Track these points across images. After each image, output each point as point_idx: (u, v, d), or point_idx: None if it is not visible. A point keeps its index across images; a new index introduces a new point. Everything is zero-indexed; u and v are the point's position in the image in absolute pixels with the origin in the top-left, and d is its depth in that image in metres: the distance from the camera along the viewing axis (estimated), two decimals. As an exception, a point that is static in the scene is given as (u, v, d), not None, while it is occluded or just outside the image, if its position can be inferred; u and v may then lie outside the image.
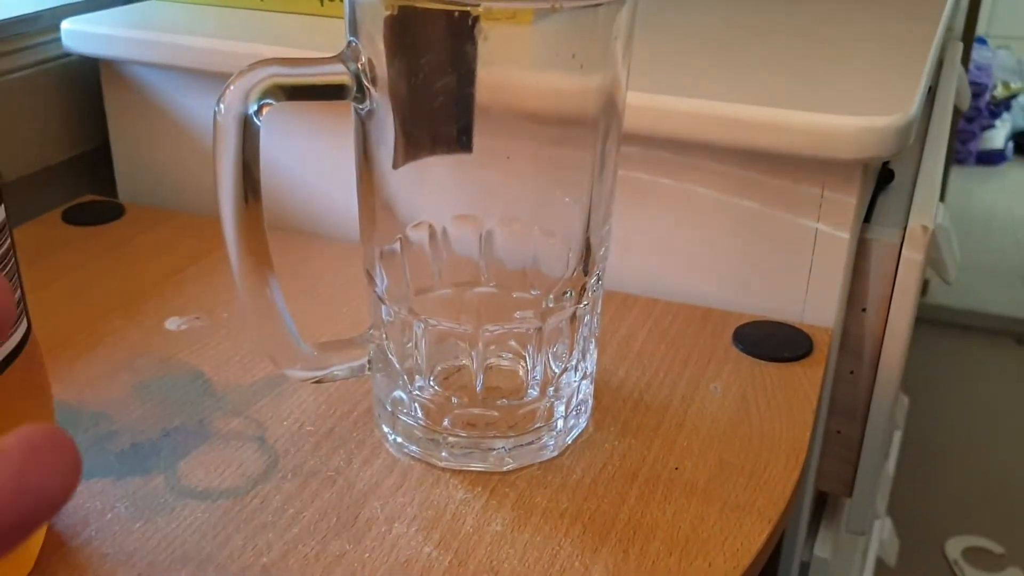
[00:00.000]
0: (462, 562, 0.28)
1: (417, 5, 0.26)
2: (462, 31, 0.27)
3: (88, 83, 0.53)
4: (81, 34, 0.50)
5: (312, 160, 0.49)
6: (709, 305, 0.42)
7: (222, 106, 0.26)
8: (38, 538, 0.27)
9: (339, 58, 0.28)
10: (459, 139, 0.30)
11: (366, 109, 0.28)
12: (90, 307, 0.41)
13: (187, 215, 0.50)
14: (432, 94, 0.29)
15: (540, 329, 0.30)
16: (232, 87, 0.26)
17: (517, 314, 0.30)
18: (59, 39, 0.50)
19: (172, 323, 0.40)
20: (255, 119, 0.27)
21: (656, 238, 0.43)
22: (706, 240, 0.42)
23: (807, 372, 0.37)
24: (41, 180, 0.52)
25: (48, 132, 0.52)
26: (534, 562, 0.28)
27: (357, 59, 0.28)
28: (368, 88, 0.28)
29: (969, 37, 1.36)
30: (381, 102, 0.28)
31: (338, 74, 0.28)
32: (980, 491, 1.23)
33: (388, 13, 0.27)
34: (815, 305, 0.41)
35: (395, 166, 0.31)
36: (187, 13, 0.52)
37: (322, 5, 0.51)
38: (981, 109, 2.06)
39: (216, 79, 0.48)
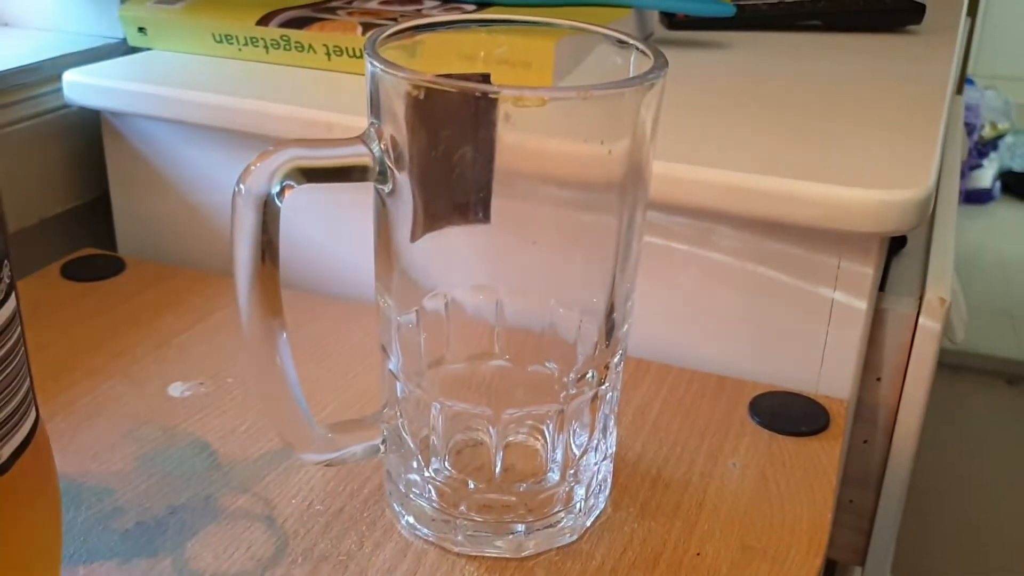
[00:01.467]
0: (482, 658, 0.27)
1: (443, 87, 0.26)
2: (486, 112, 0.26)
3: (88, 134, 0.53)
4: (82, 86, 0.49)
5: (317, 218, 0.48)
6: (723, 372, 0.41)
7: (243, 187, 0.26)
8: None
9: (361, 139, 0.27)
10: (478, 210, 0.30)
11: (388, 189, 0.28)
12: (91, 370, 0.40)
13: (189, 271, 0.49)
14: (452, 169, 0.28)
15: (562, 412, 0.30)
16: (254, 169, 0.26)
17: (538, 396, 0.30)
18: (60, 90, 0.50)
19: (175, 389, 0.39)
20: (276, 200, 0.26)
21: (670, 304, 0.42)
22: (721, 307, 0.42)
23: (825, 447, 0.37)
24: (40, 232, 0.51)
25: (48, 183, 0.51)
26: (556, 658, 0.27)
27: (380, 139, 0.27)
28: (391, 168, 0.27)
29: (961, 80, 1.37)
30: (403, 180, 0.28)
31: (360, 156, 0.27)
32: (971, 533, 1.22)
33: (414, 94, 0.26)
34: (831, 374, 0.41)
35: (413, 239, 0.30)
36: (190, 64, 0.51)
37: (329, 60, 0.51)
38: (970, 149, 2.07)
39: (219, 133, 0.47)
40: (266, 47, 0.51)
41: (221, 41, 0.52)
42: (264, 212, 0.26)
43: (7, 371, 0.23)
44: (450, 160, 0.28)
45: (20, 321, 0.24)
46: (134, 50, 0.54)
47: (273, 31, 0.51)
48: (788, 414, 0.38)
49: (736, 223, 0.40)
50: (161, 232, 0.52)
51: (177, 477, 0.34)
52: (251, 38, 0.51)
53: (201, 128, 0.48)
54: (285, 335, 0.28)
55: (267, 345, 0.28)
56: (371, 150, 0.27)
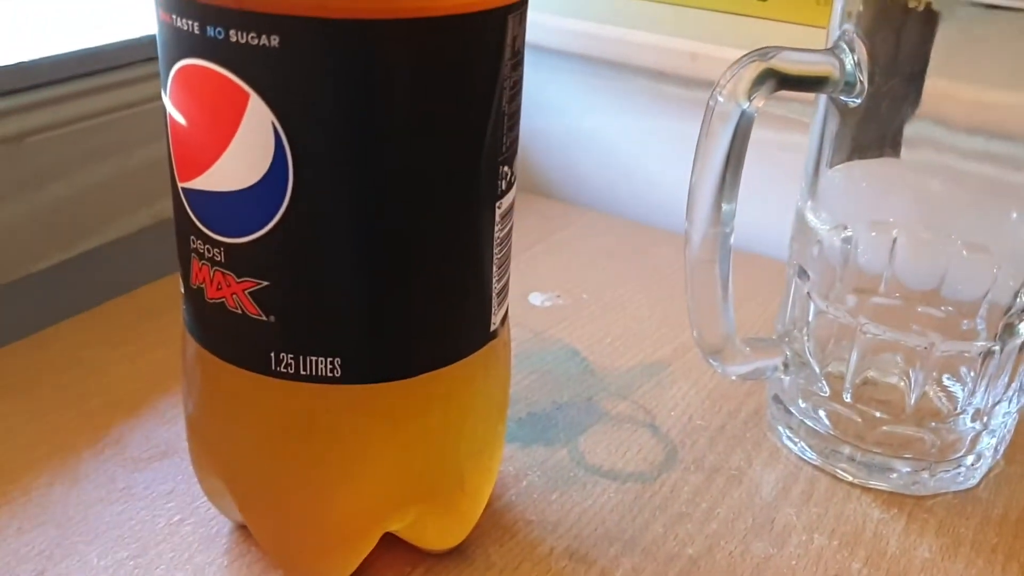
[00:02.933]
0: (896, 585, 0.27)
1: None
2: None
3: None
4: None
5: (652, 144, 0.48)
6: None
7: (720, 96, 0.26)
8: (486, 498, 0.27)
9: (832, 50, 0.27)
10: (900, 143, 0.29)
11: (853, 104, 0.27)
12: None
13: (525, 194, 0.50)
14: (901, 93, 0.28)
15: (990, 354, 0.29)
16: (735, 74, 0.26)
17: (960, 336, 0.29)
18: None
19: (535, 298, 0.41)
20: (751, 110, 0.26)
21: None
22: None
23: None
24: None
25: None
26: (975, 597, 0.27)
27: (853, 50, 0.27)
28: (861, 82, 0.27)
29: None
30: (866, 99, 0.27)
31: (831, 66, 0.27)
32: None
33: (911, 4, 0.25)
34: None
35: (832, 164, 0.30)
36: None
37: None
38: None
39: (570, 60, 0.48)
40: (613, -21, 0.52)
41: (569, -29, 0.53)
42: (740, 119, 0.26)
43: (507, 245, 0.24)
44: (907, 84, 0.27)
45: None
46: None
47: (623, -36, 0.51)
48: None
49: None
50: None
51: (556, 376, 0.35)
52: (600, -31, 0.52)
53: (553, 53, 0.49)
54: (730, 248, 0.28)
55: (712, 257, 0.28)
56: (843, 60, 0.27)
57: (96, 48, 0.38)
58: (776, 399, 0.33)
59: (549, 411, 0.34)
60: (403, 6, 0.19)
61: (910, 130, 0.28)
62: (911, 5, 0.25)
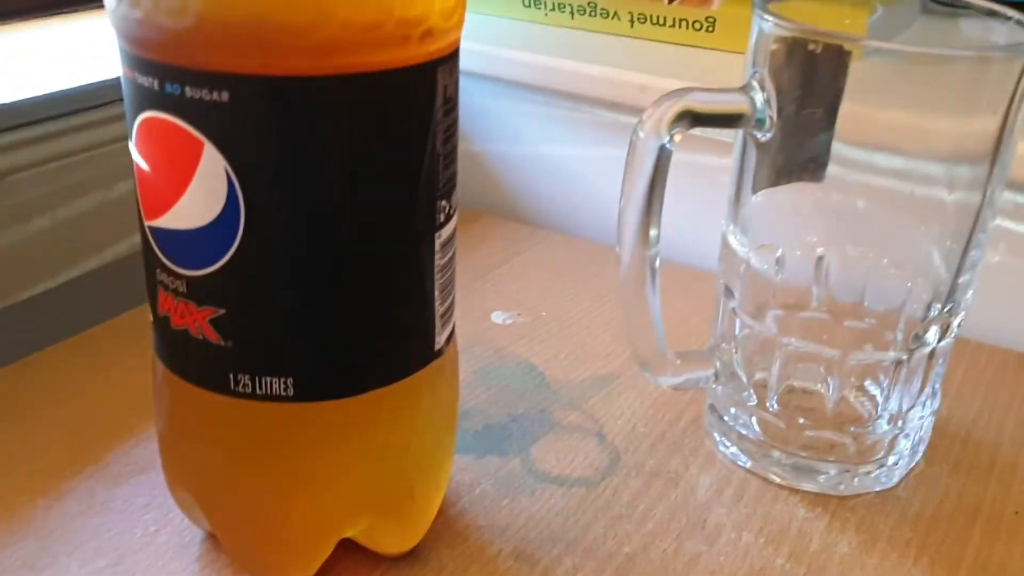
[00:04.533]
0: (816, 577, 0.29)
1: (840, 44, 0.28)
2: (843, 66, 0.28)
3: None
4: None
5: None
6: (1020, 349, 0.41)
7: (641, 132, 0.29)
8: (436, 505, 0.30)
9: (744, 89, 0.30)
10: (817, 167, 0.32)
11: (764, 138, 0.30)
12: (419, 295, 0.44)
13: (488, 216, 0.53)
14: (812, 123, 0.30)
15: (902, 362, 0.31)
16: (653, 113, 0.28)
17: (872, 345, 0.31)
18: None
19: (497, 317, 0.43)
20: (669, 145, 0.29)
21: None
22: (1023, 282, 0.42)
23: None
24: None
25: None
26: (887, 586, 0.29)
27: (763, 89, 0.29)
28: (771, 118, 0.29)
29: None
30: (775, 131, 0.30)
31: (743, 103, 0.29)
32: None
33: (811, 47, 0.28)
34: None
35: (755, 191, 0.33)
36: (499, 25, 0.55)
37: (632, 27, 0.53)
38: None
39: (525, 90, 0.51)
40: (572, 13, 0.55)
41: (529, 5, 0.56)
42: (659, 155, 0.29)
43: (449, 271, 0.27)
44: (810, 111, 0.30)
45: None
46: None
47: (580, -3, 0.54)
48: (1100, 395, 0.38)
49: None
50: (461, 179, 0.56)
51: (513, 390, 0.38)
52: (558, 3, 0.55)
53: (513, 84, 0.52)
54: (656, 269, 0.31)
55: (641, 277, 0.30)
56: (754, 98, 0.29)
57: (75, 89, 0.41)
58: (712, 408, 0.35)
59: (505, 423, 0.36)
60: (338, 63, 0.22)
61: (826, 155, 0.31)
62: (810, 48, 0.28)
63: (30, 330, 0.40)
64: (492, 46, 0.51)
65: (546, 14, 0.55)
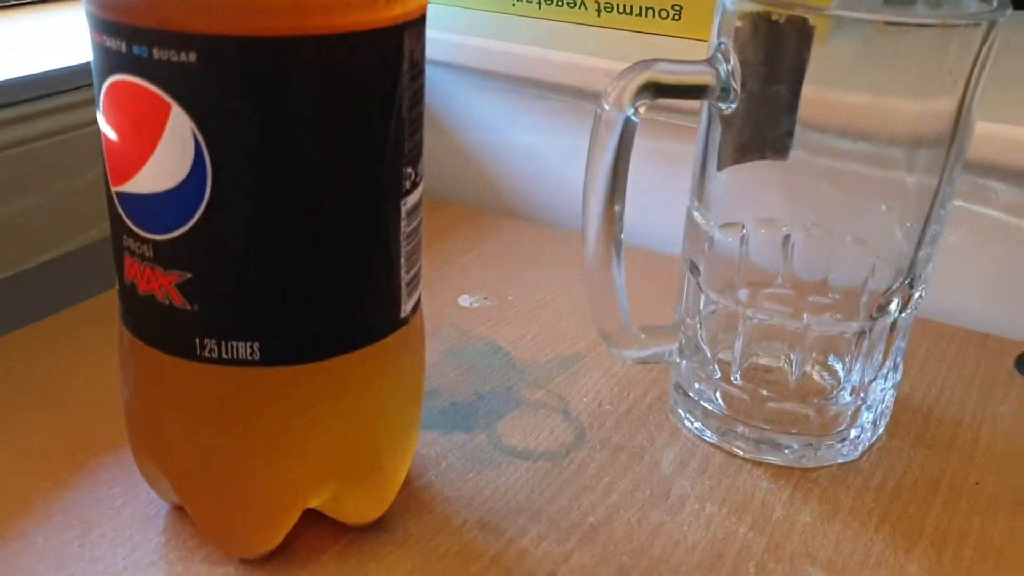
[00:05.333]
0: (778, 545, 0.30)
1: (803, 14, 0.28)
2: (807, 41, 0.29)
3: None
4: (376, 29, 0.54)
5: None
6: (984, 329, 0.42)
7: (606, 104, 0.29)
8: (402, 476, 0.30)
9: (709, 61, 0.30)
10: (781, 145, 0.32)
11: (728, 109, 0.30)
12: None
13: (458, 205, 0.53)
14: (776, 100, 0.31)
15: (864, 333, 0.32)
16: (617, 85, 0.29)
17: (838, 317, 0.32)
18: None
19: (465, 300, 0.43)
20: (634, 116, 0.29)
21: (938, 260, 0.43)
22: (990, 265, 0.42)
23: (1094, 407, 0.37)
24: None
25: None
26: (848, 554, 0.30)
27: (728, 60, 0.30)
28: (735, 89, 0.30)
29: None
30: (740, 104, 0.30)
31: (708, 74, 0.30)
32: None
33: (774, 18, 0.28)
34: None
35: (720, 168, 0.33)
36: (468, 16, 0.56)
37: (598, 16, 0.54)
38: None
39: (498, 80, 0.51)
40: (539, 3, 0.55)
41: (498, -5, 0.56)
42: (624, 127, 0.29)
43: (416, 239, 0.27)
44: (775, 86, 0.30)
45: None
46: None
47: (548, -13, 0.54)
48: (1055, 373, 0.39)
49: (1011, 178, 0.41)
50: (432, 169, 0.56)
51: (480, 370, 0.38)
52: (526, -7, 0.55)
53: (481, 73, 0.52)
54: (621, 243, 0.31)
55: (606, 251, 0.31)
56: (718, 70, 0.30)
57: (42, 74, 0.41)
58: (677, 385, 0.35)
59: (471, 401, 0.36)
60: (306, 24, 0.22)
61: (790, 133, 0.31)
62: (774, 18, 0.28)
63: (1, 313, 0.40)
64: (460, 35, 0.52)
65: (513, 3, 0.56)
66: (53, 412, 0.34)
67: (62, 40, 0.47)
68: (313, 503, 0.28)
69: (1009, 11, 0.28)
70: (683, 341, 0.34)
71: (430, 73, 0.55)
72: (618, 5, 0.53)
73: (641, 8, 0.52)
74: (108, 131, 0.24)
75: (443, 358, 0.39)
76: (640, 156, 0.46)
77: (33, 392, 0.35)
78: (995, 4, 0.29)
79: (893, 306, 0.32)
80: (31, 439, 0.33)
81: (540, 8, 0.55)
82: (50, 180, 0.42)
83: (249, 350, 0.25)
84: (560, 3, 0.54)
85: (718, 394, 0.34)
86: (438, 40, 0.52)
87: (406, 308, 0.27)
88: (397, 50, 0.24)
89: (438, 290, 0.44)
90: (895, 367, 0.33)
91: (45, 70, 0.41)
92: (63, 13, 0.53)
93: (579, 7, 0.54)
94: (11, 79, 0.40)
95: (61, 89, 0.42)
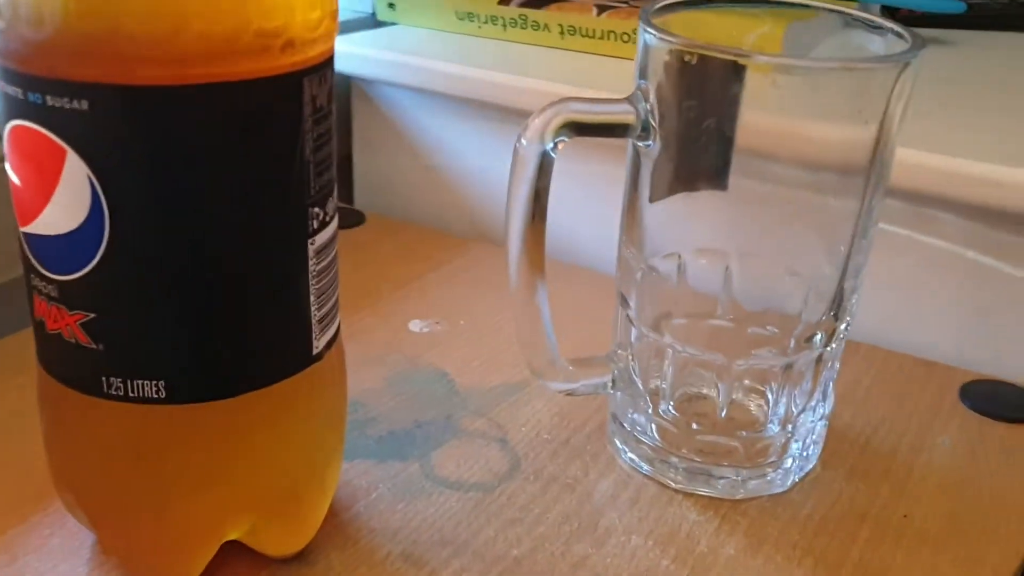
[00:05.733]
0: (698, 579, 0.30)
1: (714, 55, 0.28)
2: (743, 79, 0.29)
3: (337, 99, 0.58)
4: (338, 54, 0.54)
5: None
6: (931, 358, 0.42)
7: (524, 140, 0.29)
8: (323, 508, 0.30)
9: (628, 99, 0.30)
10: (718, 177, 0.32)
11: (649, 147, 0.30)
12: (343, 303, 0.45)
13: (421, 227, 0.53)
14: (702, 135, 0.31)
15: (789, 367, 0.32)
16: (534, 123, 0.29)
17: (766, 351, 0.32)
18: (321, 56, 0.55)
19: (415, 325, 0.43)
20: (551, 152, 0.29)
21: (885, 288, 0.43)
22: (935, 294, 0.42)
23: (1037, 436, 0.37)
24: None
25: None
26: (768, 588, 0.30)
27: (646, 99, 0.30)
28: (654, 128, 0.30)
29: None
30: (661, 141, 0.30)
31: (628, 114, 0.30)
32: None
33: (687, 59, 0.29)
34: (1045, 369, 0.41)
35: (652, 199, 0.33)
36: (433, 38, 0.56)
37: (562, 39, 0.54)
38: None
39: (460, 103, 0.52)
40: (504, 25, 0.55)
41: (464, 19, 0.56)
42: (541, 162, 0.29)
43: (328, 276, 0.27)
44: (700, 122, 0.31)
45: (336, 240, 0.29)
46: (379, 24, 0.59)
47: (513, 10, 0.55)
48: (1000, 401, 0.39)
49: (957, 210, 0.41)
50: (396, 190, 0.57)
51: (422, 398, 0.38)
52: (492, 16, 0.55)
53: (444, 97, 0.52)
54: (544, 276, 0.31)
55: (530, 283, 0.31)
56: (637, 109, 0.30)
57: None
58: (613, 416, 0.35)
59: (409, 429, 0.36)
60: (195, 73, 0.22)
61: (725, 164, 0.32)
62: (686, 60, 0.29)
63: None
64: (423, 59, 0.52)
65: (479, 27, 0.56)
66: (-7, 441, 0.34)
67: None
68: (232, 535, 0.28)
69: (922, 52, 0.28)
70: (616, 372, 0.34)
71: (399, 96, 0.56)
72: (581, 28, 0.53)
73: (603, 32, 0.52)
74: (11, 174, 0.24)
75: (386, 385, 0.39)
76: (595, 174, 0.47)
77: (-24, 420, 0.35)
78: (910, 45, 0.29)
79: (818, 339, 0.32)
80: (-33, 468, 0.33)
81: (505, 31, 0.55)
82: None
83: (155, 388, 0.25)
84: (524, 26, 0.55)
85: (652, 425, 0.34)
86: (400, 63, 0.52)
87: (319, 344, 0.27)
88: (296, 96, 0.24)
89: (389, 314, 0.44)
90: (824, 398, 0.33)
91: None
92: None
93: (543, 29, 0.54)
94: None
95: None
